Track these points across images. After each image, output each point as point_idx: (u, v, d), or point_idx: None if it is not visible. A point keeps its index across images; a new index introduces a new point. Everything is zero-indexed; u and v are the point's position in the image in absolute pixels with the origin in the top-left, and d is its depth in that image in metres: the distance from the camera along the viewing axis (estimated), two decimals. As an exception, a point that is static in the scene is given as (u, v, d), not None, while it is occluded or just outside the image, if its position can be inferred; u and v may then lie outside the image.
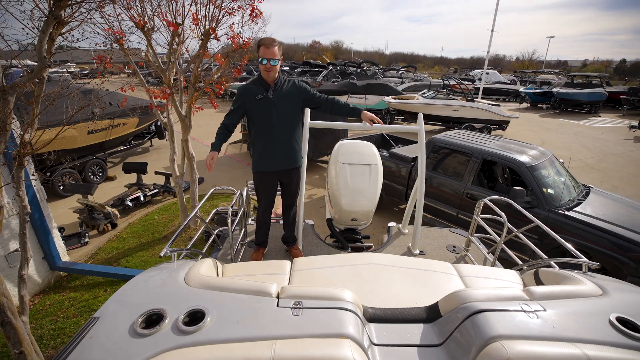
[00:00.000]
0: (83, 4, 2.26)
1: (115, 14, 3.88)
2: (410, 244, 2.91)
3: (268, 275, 1.81)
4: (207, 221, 2.25)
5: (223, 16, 3.86)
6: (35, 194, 3.91)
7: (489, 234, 2.64)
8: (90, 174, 7.21)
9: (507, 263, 2.56)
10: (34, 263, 3.96)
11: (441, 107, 12.37)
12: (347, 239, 3.13)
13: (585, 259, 1.84)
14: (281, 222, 2.99)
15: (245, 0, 4.15)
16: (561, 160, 5.08)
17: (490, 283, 1.84)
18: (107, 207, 5.37)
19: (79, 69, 27.77)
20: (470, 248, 2.84)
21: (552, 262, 2.03)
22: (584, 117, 17.86)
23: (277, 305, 1.17)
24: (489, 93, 22.34)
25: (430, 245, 2.99)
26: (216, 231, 2.49)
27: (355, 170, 2.87)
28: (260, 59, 2.29)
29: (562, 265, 2.03)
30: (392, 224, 3.30)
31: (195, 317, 1.11)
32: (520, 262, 2.38)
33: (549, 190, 4.31)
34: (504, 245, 2.49)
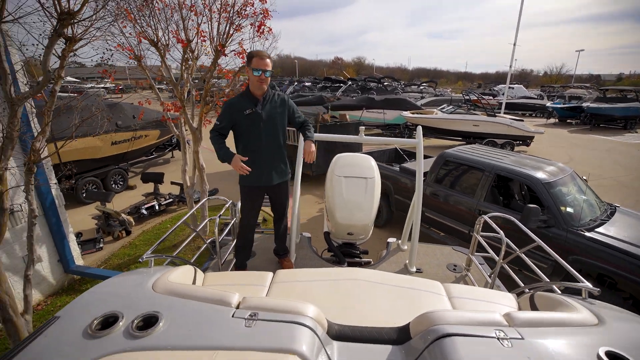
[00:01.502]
0: (93, 24, 2.40)
1: (135, 32, 4.13)
2: (407, 261, 2.81)
3: (246, 285, 1.79)
4: (197, 230, 2.28)
5: (232, 33, 4.01)
6: (54, 200, 4.12)
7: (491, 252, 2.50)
8: (112, 182, 7.55)
9: (513, 285, 2.41)
10: (49, 265, 4.14)
11: (461, 122, 12.12)
12: (344, 253, 3.07)
13: (586, 283, 1.69)
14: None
15: (256, 17, 4.31)
16: (584, 177, 4.79)
17: (480, 306, 1.73)
18: (123, 215, 5.58)
19: (113, 85, 29.91)
20: (472, 267, 2.70)
21: (554, 287, 1.89)
22: (618, 133, 16.89)
23: (233, 316, 1.15)
24: (513, 108, 21.69)
25: (430, 263, 2.87)
26: (209, 240, 2.51)
27: (351, 183, 2.83)
28: (253, 70, 2.29)
29: (565, 290, 1.89)
30: (391, 240, 3.21)
31: (149, 322, 1.11)
32: (522, 284, 2.24)
33: (568, 209, 4.06)
34: (506, 265, 2.35)
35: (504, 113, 14.83)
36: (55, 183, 4.23)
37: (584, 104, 18.56)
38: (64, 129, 4.13)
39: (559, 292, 1.78)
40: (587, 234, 3.77)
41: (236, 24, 3.91)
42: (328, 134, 3.59)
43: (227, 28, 3.98)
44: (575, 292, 1.70)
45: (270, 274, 1.94)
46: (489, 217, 2.42)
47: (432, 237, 5.19)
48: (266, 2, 3.99)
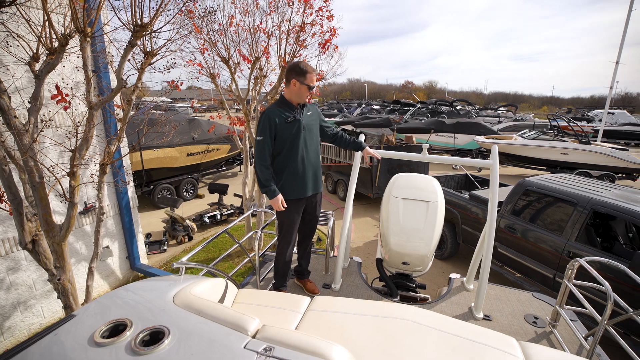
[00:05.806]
0: (170, 39, 2.58)
1: (214, 54, 4.45)
2: (473, 304, 2.35)
3: (277, 309, 1.61)
4: (240, 242, 2.20)
5: (298, 50, 4.08)
6: (129, 201, 4.53)
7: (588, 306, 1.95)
8: (184, 190, 8.19)
9: (617, 354, 1.83)
10: (119, 260, 4.51)
11: (545, 149, 10.72)
12: (398, 285, 2.72)
13: None
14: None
15: (322, 36, 4.33)
16: None
17: None
18: (188, 221, 5.93)
19: (199, 105, 33.96)
20: (559, 323, 2.14)
21: None
22: None
23: (245, 346, 0.98)
24: (614, 137, 18.70)
25: (502, 310, 2.37)
26: (252, 254, 2.41)
27: (410, 206, 2.52)
28: (308, 85, 2.26)
29: None
30: (454, 276, 2.76)
31: (156, 338, 1.01)
32: (635, 355, 1.67)
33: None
34: (611, 328, 1.80)
35: (602, 141, 12.79)
36: (131, 185, 4.65)
37: None
38: (149, 140, 4.59)
39: None
40: None
41: (301, 39, 3.97)
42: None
43: (294, 47, 4.06)
44: None
45: (307, 299, 1.74)
46: (587, 262, 1.90)
47: (505, 278, 4.48)
48: (332, 19, 4.00)
